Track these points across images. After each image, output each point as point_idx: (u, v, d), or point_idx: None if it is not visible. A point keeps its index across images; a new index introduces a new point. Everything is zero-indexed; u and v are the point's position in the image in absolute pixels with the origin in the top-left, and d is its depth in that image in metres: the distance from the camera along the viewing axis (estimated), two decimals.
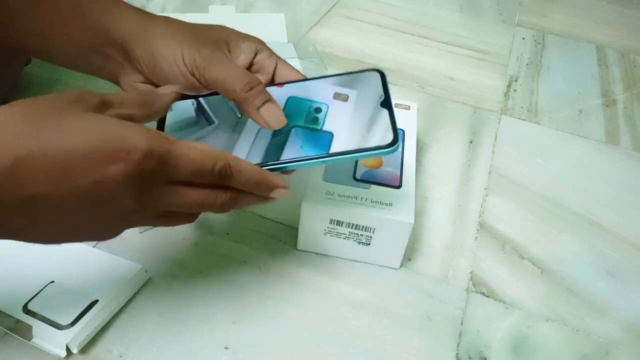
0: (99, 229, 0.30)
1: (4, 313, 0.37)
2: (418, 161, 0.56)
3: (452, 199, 0.52)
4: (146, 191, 0.29)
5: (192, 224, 0.46)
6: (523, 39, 0.80)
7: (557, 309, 0.44)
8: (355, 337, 0.40)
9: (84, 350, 0.37)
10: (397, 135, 0.36)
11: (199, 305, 0.40)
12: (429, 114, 0.63)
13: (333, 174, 0.44)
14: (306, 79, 0.41)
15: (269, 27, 0.69)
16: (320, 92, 0.40)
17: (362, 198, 0.42)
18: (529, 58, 0.76)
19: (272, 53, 0.41)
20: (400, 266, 0.45)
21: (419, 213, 0.50)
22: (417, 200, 0.51)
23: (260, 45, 0.40)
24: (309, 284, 0.43)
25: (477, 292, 0.44)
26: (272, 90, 0.38)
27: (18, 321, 0.37)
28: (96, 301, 0.38)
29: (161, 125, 0.38)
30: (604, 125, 0.65)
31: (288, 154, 0.36)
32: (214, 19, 0.69)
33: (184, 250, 0.44)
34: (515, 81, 0.71)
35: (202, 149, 0.31)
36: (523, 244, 0.49)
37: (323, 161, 0.36)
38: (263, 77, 0.40)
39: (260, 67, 0.40)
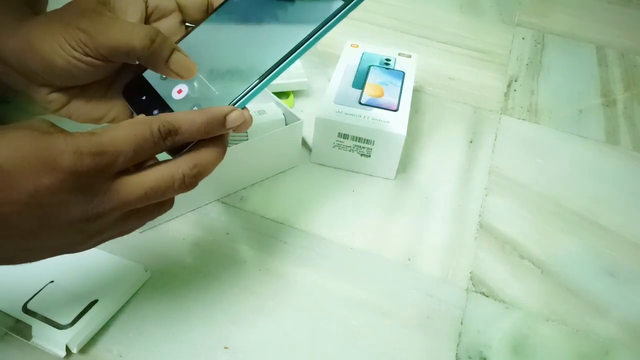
0: (59, 243, 0.29)
1: (4, 313, 0.37)
2: (418, 161, 0.56)
3: (452, 199, 0.52)
4: (91, 193, 0.27)
5: (192, 225, 0.46)
6: (523, 39, 0.80)
7: (557, 309, 0.44)
8: (355, 337, 0.40)
9: (83, 350, 0.37)
10: None
11: (199, 305, 0.40)
12: (429, 114, 0.63)
13: (342, 98, 0.52)
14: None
15: None
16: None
17: (365, 117, 0.50)
18: (529, 58, 0.76)
19: None
20: (395, 177, 0.53)
21: (419, 213, 0.50)
22: (417, 199, 0.52)
23: None
24: (309, 284, 0.43)
25: (477, 292, 0.44)
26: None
27: (18, 321, 0.37)
28: (96, 301, 0.38)
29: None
30: (604, 125, 0.65)
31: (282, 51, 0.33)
32: None
33: (184, 250, 0.44)
34: (515, 81, 0.71)
35: (131, 122, 0.29)
36: (523, 244, 0.49)
37: (323, 32, 0.33)
38: (172, 20, 0.36)
39: (162, 11, 0.36)
